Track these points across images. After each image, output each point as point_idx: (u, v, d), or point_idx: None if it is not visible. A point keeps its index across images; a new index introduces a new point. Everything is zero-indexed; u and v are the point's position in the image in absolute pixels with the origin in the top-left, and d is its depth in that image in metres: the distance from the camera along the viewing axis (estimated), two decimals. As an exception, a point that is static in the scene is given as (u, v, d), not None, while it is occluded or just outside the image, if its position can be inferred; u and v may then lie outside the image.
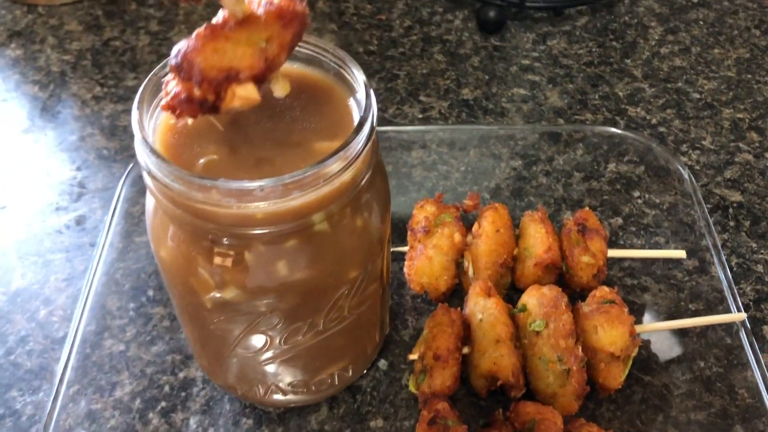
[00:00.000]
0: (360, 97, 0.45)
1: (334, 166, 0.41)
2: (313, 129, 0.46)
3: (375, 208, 0.48)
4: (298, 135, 0.45)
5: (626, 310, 0.59)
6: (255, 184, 0.39)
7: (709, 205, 0.78)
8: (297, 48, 0.47)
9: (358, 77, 0.45)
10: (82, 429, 0.59)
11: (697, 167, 0.82)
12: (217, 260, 0.44)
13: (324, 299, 0.47)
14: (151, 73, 0.45)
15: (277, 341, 0.49)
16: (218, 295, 0.45)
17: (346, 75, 0.46)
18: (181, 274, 0.45)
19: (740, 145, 0.85)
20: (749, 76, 0.94)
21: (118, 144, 0.83)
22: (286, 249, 0.44)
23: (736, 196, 0.79)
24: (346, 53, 0.46)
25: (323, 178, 0.40)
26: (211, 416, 0.60)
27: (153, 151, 0.40)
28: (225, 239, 0.43)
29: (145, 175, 0.43)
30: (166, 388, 0.62)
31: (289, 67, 0.48)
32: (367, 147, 0.43)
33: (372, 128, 0.43)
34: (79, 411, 0.60)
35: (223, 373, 0.55)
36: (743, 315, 0.63)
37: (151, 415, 0.60)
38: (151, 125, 0.46)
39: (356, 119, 0.45)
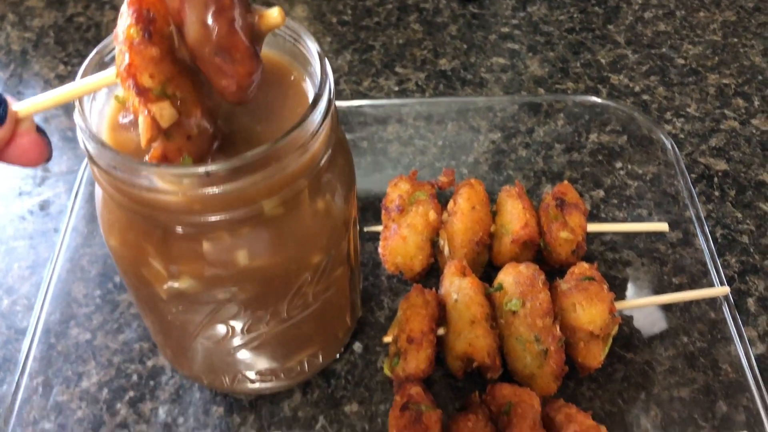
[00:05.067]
0: (315, 71, 0.42)
1: (287, 146, 0.38)
2: (270, 110, 0.43)
3: (338, 188, 0.46)
4: (252, 117, 0.43)
5: (606, 286, 0.58)
6: (201, 168, 0.36)
7: (693, 175, 0.75)
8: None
9: (312, 48, 0.42)
10: (47, 422, 0.57)
11: (682, 136, 0.80)
12: (170, 249, 0.41)
13: (286, 286, 0.45)
14: (93, 52, 0.42)
15: (239, 330, 0.47)
16: (174, 285, 0.43)
17: (301, 49, 0.43)
18: (133, 264, 0.43)
19: (726, 111, 0.82)
20: (735, 39, 0.91)
21: (83, 124, 0.80)
22: (242, 236, 0.41)
23: (721, 165, 0.77)
24: (301, 26, 0.43)
25: (275, 160, 0.38)
26: (180, 405, 0.58)
27: (92, 135, 0.38)
28: (177, 227, 0.41)
29: (89, 162, 0.40)
30: (134, 377, 0.60)
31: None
32: (325, 124, 0.41)
33: (329, 104, 0.41)
34: (45, 403, 0.58)
35: (188, 362, 0.53)
36: (726, 289, 0.61)
37: (118, 405, 0.58)
38: (100, 108, 0.43)
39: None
